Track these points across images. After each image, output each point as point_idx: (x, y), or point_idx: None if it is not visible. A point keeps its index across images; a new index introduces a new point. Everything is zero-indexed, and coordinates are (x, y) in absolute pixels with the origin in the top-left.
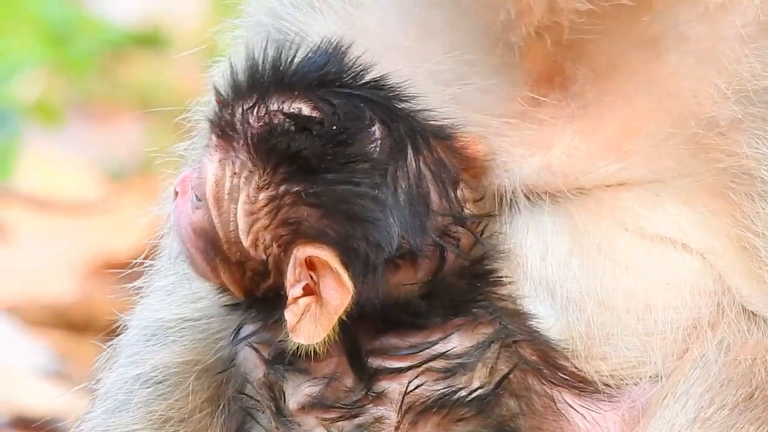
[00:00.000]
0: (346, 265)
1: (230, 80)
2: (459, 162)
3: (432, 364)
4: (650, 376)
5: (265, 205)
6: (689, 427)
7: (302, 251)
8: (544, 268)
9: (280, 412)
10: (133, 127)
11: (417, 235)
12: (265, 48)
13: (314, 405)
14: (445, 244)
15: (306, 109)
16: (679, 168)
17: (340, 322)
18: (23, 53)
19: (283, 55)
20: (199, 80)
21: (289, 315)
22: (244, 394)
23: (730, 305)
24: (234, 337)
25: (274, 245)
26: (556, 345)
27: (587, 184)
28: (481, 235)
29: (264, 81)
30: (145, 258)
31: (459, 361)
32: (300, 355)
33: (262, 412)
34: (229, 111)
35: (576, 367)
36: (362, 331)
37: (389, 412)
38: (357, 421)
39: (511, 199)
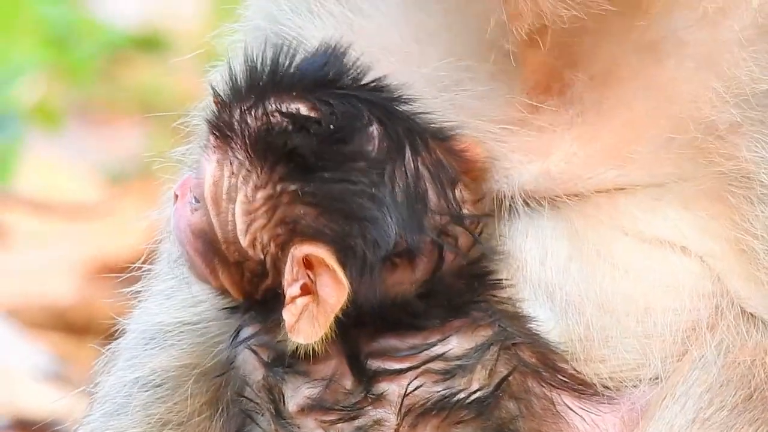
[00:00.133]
0: (343, 263)
1: (228, 82)
2: (458, 164)
3: (431, 365)
4: (649, 379)
5: (263, 204)
6: (688, 427)
7: (299, 250)
8: (544, 272)
9: (279, 414)
10: (133, 131)
11: (414, 233)
12: (264, 50)
13: (313, 407)
14: (443, 243)
15: (304, 109)
16: (678, 172)
17: (339, 322)
18: (23, 57)
19: (281, 57)
20: (199, 84)
21: (287, 314)
22: (244, 396)
23: (728, 307)
24: (233, 340)
25: (272, 244)
26: (555, 348)
27: (586, 190)
28: (479, 236)
29: (262, 82)
30: (144, 262)
31: (458, 362)
32: (299, 356)
33: (262, 415)
34: (227, 112)
35: (575, 370)
36: (361, 333)
37: (388, 415)
38: (356, 423)
39: (510, 205)
